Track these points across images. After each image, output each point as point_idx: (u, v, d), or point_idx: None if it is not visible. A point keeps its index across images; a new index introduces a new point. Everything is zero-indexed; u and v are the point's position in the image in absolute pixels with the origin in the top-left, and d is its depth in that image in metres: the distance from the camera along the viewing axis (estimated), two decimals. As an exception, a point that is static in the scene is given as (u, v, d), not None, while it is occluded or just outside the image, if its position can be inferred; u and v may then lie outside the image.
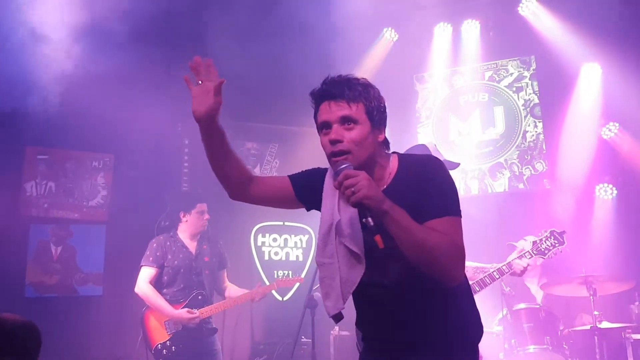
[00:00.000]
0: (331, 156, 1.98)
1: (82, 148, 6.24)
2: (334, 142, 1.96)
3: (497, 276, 4.13)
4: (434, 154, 3.53)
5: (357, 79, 2.04)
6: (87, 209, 6.25)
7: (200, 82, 1.97)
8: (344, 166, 1.89)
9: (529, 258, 4.23)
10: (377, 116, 2.01)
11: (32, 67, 5.09)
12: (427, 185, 1.95)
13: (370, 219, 1.82)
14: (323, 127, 2.01)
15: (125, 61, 5.22)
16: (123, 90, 5.55)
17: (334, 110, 1.98)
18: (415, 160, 2.08)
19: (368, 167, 1.95)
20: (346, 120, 1.96)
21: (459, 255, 1.90)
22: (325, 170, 2.16)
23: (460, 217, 1.96)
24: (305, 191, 2.16)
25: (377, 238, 1.80)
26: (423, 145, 3.83)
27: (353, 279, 1.97)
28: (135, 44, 5.20)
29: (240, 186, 2.13)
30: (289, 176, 2.20)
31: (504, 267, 4.13)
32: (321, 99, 2.03)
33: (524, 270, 4.20)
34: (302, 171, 2.23)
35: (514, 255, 4.23)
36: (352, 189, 1.80)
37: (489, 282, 4.11)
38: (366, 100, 1.99)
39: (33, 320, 2.22)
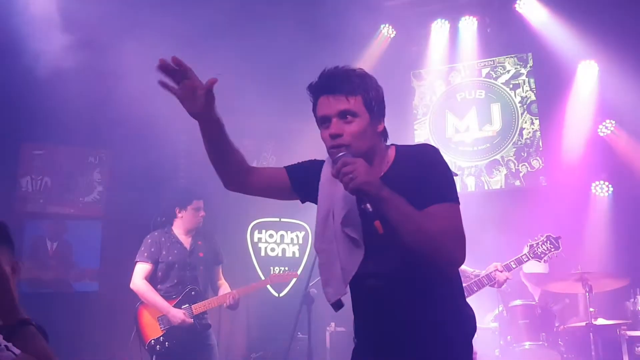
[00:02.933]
0: (331, 149, 1.99)
1: (78, 144, 6.22)
2: (334, 136, 1.96)
3: (476, 289, 4.14)
4: None
5: (354, 71, 2.02)
6: (82, 205, 6.23)
7: (178, 83, 1.89)
8: (341, 154, 1.90)
9: (526, 261, 4.27)
10: (375, 107, 2.01)
11: (27, 62, 5.07)
12: (425, 172, 1.96)
13: (369, 205, 1.83)
14: (323, 121, 2.01)
15: (121, 56, 5.21)
16: (119, 86, 5.52)
17: (333, 105, 1.97)
18: (413, 149, 2.09)
19: (367, 158, 1.95)
20: (345, 114, 1.96)
21: (461, 239, 1.90)
22: (322, 162, 2.16)
23: (459, 203, 1.96)
24: (301, 182, 2.15)
25: (377, 224, 1.80)
26: None
27: (353, 264, 1.97)
28: (131, 40, 5.18)
29: (236, 176, 2.13)
30: (285, 167, 2.19)
31: (484, 279, 4.15)
32: (319, 93, 2.02)
33: (503, 283, 4.21)
34: (299, 162, 2.23)
35: (491, 268, 4.21)
36: (350, 176, 1.82)
37: (476, 290, 4.15)
38: (364, 92, 1.99)
39: (29, 317, 2.21)
